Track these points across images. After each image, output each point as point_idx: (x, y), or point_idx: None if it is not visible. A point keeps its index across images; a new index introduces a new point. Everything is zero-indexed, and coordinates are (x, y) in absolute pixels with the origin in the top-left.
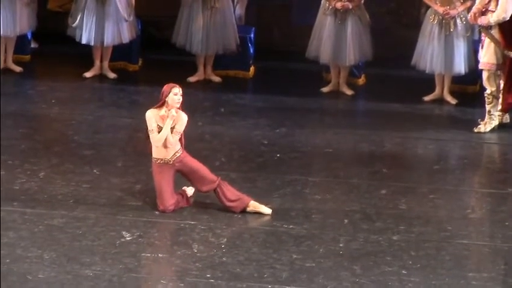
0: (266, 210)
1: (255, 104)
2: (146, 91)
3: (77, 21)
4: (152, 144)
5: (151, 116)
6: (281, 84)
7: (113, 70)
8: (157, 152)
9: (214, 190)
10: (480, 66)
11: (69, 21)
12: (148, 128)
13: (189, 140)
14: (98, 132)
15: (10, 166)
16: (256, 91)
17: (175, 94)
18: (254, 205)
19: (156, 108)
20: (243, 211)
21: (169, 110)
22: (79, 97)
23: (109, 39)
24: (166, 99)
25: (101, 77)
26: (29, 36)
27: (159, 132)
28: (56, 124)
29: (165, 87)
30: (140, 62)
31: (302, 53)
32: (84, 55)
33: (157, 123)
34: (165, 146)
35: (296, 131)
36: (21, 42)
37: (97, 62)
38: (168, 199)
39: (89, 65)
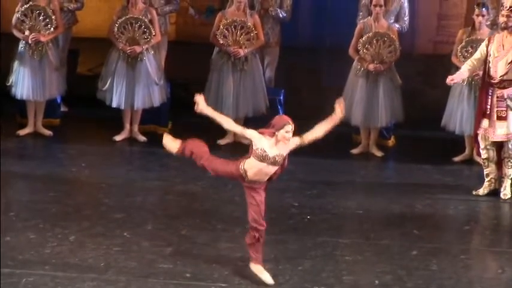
0: (268, 279)
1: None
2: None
3: (107, 84)
4: None
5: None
6: (311, 146)
7: (142, 133)
8: None
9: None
10: (501, 138)
11: (99, 84)
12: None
13: (220, 202)
14: (128, 196)
15: (41, 230)
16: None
17: (287, 132)
18: (258, 269)
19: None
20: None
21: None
22: (109, 161)
23: (139, 102)
24: (277, 133)
25: (130, 141)
26: (59, 100)
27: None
28: (86, 187)
29: (278, 120)
30: (170, 125)
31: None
32: (114, 118)
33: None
34: None
35: (327, 193)
36: (51, 106)
37: (127, 126)
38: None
39: (119, 129)
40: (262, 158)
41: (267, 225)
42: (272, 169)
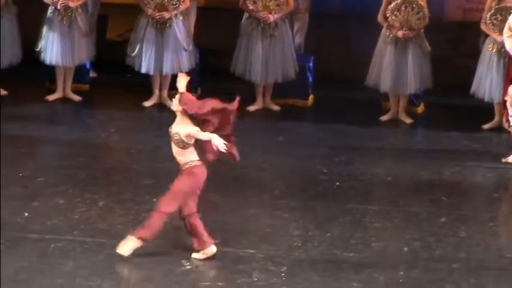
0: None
1: (314, 132)
2: None
3: (136, 50)
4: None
5: None
6: (340, 113)
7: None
8: None
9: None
10: None
11: (128, 50)
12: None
13: (249, 169)
14: (157, 161)
15: (70, 195)
16: (315, 120)
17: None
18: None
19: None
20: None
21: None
22: (138, 126)
23: (168, 68)
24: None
25: (160, 106)
26: (88, 66)
27: None
28: (115, 153)
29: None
30: (199, 90)
31: (361, 81)
32: (143, 84)
33: None
34: None
35: (355, 160)
36: (80, 71)
37: (156, 91)
38: None
39: (148, 94)
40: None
41: (296, 192)
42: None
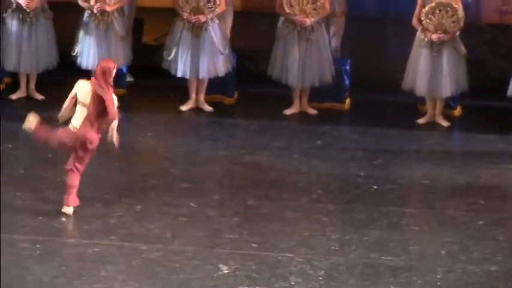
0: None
1: (351, 136)
2: (242, 124)
3: (172, 54)
4: None
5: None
6: (377, 116)
7: (209, 103)
8: None
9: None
10: None
11: (164, 54)
12: None
13: (286, 173)
14: (194, 165)
15: (107, 200)
16: (352, 123)
17: None
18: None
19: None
20: None
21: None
22: (175, 130)
23: (204, 72)
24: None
25: (197, 110)
26: (124, 70)
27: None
28: (152, 157)
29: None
30: (236, 95)
31: (398, 84)
32: (179, 88)
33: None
34: None
35: (392, 163)
36: (116, 75)
37: (193, 95)
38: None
39: (185, 98)
40: None
41: (334, 195)
42: None
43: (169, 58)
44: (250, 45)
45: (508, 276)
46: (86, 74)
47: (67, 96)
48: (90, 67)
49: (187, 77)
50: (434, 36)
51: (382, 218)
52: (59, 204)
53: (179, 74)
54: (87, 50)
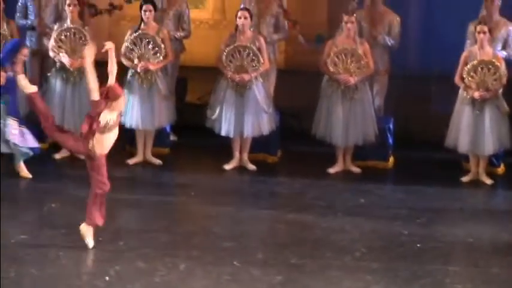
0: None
1: (394, 194)
2: (286, 182)
3: (216, 113)
4: None
5: None
6: (421, 174)
7: (252, 162)
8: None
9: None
10: None
11: (208, 113)
12: None
13: (329, 231)
14: (237, 224)
15: (151, 258)
16: (395, 181)
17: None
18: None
19: None
20: None
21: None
22: (219, 189)
23: (249, 131)
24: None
25: (240, 169)
26: (168, 129)
27: None
28: (195, 216)
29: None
30: (279, 153)
31: (441, 142)
32: (223, 147)
33: None
34: None
35: (436, 221)
36: (160, 135)
37: (236, 154)
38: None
39: (229, 157)
40: (108, 129)
41: (377, 253)
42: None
43: (213, 117)
44: (294, 103)
45: None
46: (130, 133)
47: (109, 155)
48: (134, 126)
49: (231, 136)
50: (477, 94)
51: (426, 276)
52: (103, 262)
53: (223, 133)
54: (130, 109)
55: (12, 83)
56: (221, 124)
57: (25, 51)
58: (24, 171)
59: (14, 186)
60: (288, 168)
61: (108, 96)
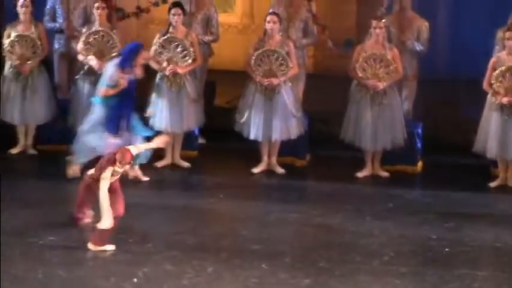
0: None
1: (423, 198)
2: (314, 186)
3: (245, 117)
4: None
5: None
6: (449, 179)
7: (280, 165)
8: None
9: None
10: None
11: (236, 117)
12: None
13: (357, 235)
14: (265, 227)
15: (178, 261)
16: (424, 186)
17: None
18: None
19: None
20: None
21: None
22: (247, 192)
23: (277, 134)
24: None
25: (268, 173)
26: (196, 132)
27: None
28: (223, 219)
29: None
30: (308, 157)
31: (470, 147)
32: (251, 150)
33: None
34: None
35: (465, 226)
36: (188, 138)
37: (265, 158)
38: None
39: (257, 161)
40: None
41: (406, 258)
42: None
43: (242, 121)
44: (323, 107)
45: None
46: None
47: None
48: (162, 129)
49: (259, 140)
50: (505, 100)
51: (454, 281)
52: (131, 264)
53: (252, 137)
54: (159, 112)
55: (131, 85)
56: (250, 128)
57: (145, 55)
58: (138, 174)
59: (42, 188)
60: (316, 172)
61: (117, 159)
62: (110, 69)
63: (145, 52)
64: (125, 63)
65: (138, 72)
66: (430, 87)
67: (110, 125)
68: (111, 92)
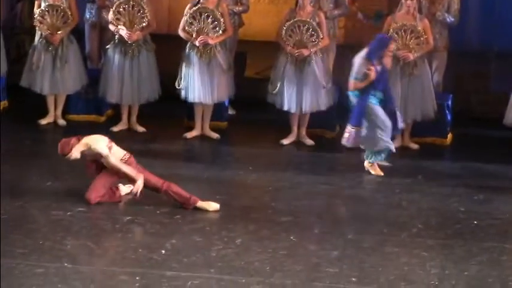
0: (214, 206)
1: (452, 171)
2: (343, 158)
3: (277, 88)
4: None
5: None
6: (479, 151)
7: (310, 137)
8: None
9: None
10: None
11: (269, 88)
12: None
13: (387, 207)
14: (295, 199)
15: (207, 232)
16: (453, 158)
17: None
18: (202, 204)
19: None
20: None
21: None
22: (276, 164)
23: (307, 106)
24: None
25: (298, 144)
26: (226, 103)
27: None
28: (253, 191)
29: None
30: (338, 128)
31: (500, 119)
32: (281, 122)
33: None
34: None
35: (494, 198)
36: (218, 109)
37: (294, 129)
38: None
39: (286, 132)
40: None
41: (434, 230)
42: None
43: (275, 92)
44: None
45: None
46: (188, 107)
47: (167, 129)
48: (196, 100)
49: (292, 111)
50: None
51: (482, 253)
52: (159, 236)
53: (285, 108)
54: (191, 84)
55: (381, 76)
56: (283, 99)
57: (392, 47)
58: (377, 170)
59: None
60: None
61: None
62: (358, 62)
63: (392, 45)
64: (373, 55)
65: (388, 62)
66: (460, 59)
67: (356, 117)
68: (360, 85)
